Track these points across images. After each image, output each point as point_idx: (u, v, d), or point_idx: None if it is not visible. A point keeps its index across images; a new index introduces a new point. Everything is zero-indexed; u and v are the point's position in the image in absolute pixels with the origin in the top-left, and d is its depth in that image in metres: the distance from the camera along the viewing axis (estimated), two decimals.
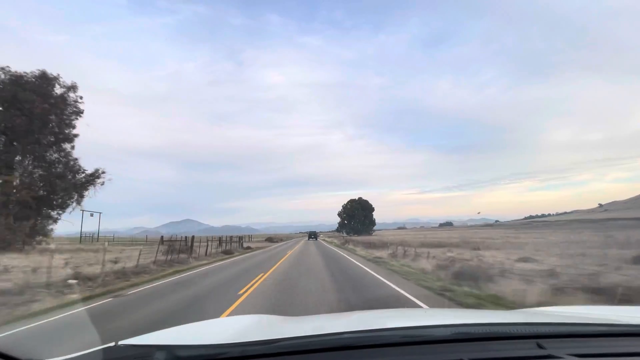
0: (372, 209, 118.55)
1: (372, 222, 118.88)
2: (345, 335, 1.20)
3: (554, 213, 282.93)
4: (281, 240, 72.84)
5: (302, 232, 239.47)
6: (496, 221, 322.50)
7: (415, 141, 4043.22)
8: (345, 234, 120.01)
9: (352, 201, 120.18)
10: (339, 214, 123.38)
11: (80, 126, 23.52)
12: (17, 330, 5.28)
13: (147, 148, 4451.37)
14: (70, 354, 1.18)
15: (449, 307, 5.90)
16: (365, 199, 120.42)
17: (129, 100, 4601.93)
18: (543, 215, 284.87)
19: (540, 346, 1.15)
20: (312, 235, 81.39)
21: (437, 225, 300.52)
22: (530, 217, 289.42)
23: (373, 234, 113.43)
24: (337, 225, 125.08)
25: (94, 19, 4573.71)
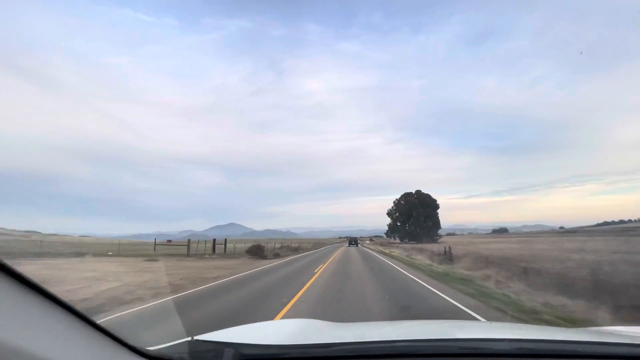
0: (437, 206, 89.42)
1: (437, 224, 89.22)
2: (403, 344, 1.19)
3: (635, 219, 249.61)
4: (301, 249, 46.61)
5: (340, 237, 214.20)
6: (561, 227, 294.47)
7: (459, 143, 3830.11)
8: (398, 239, 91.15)
9: (407, 195, 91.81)
10: (389, 213, 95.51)
11: None
12: None
13: (196, 156, 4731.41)
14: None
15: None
16: (425, 192, 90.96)
17: (181, 113, 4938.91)
18: (621, 222, 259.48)
19: None
20: (353, 241, 70.48)
21: (489, 232, 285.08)
22: (606, 223, 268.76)
23: (439, 240, 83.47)
24: (387, 228, 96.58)
25: (150, 41, 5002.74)
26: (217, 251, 26.73)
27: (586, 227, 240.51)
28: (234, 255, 25.79)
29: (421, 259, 21.25)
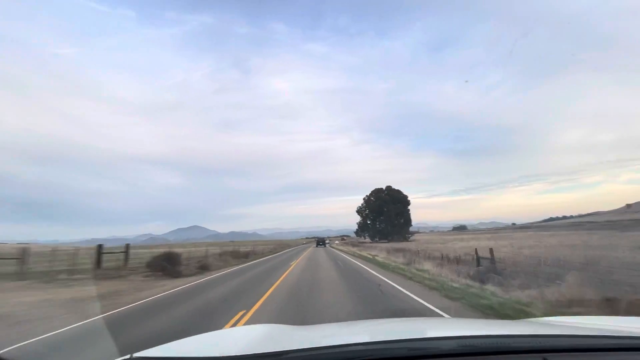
0: (408, 202, 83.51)
1: (408, 221, 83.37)
2: (352, 348, 1.19)
3: (576, 215, 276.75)
4: (253, 255, 36.28)
5: (307, 238, 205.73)
6: (513, 224, 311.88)
7: (422, 145, 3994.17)
8: (368, 238, 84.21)
9: (377, 192, 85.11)
10: (359, 211, 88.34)
11: None
12: None
13: (156, 156, 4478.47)
14: None
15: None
16: (396, 188, 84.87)
17: (139, 110, 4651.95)
18: (564, 217, 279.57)
19: None
20: (321, 242, 69.50)
21: (450, 229, 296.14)
22: (551, 218, 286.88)
23: (410, 238, 77.61)
24: (356, 227, 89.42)
25: (104, 32, 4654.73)
26: (110, 263, 16.85)
27: (535, 223, 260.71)
28: (134, 271, 16.04)
29: (435, 270, 13.12)
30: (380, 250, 31.07)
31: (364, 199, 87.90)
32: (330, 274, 13.82)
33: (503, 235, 75.38)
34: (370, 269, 15.64)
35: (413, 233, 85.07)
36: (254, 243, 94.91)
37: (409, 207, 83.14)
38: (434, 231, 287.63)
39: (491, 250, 11.62)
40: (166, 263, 15.83)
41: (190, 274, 15.81)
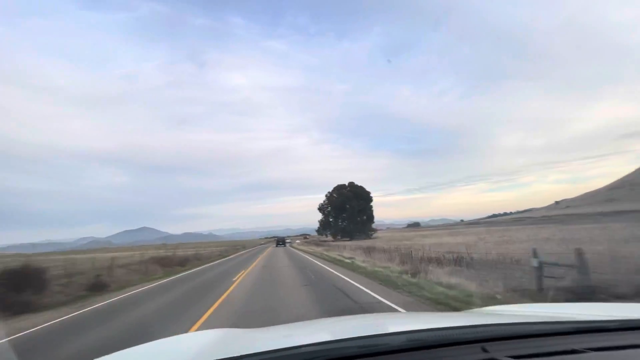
0: (370, 199, 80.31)
1: (370, 218, 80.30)
2: (303, 350, 1.20)
3: (515, 211, 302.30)
4: (191, 263, 27.22)
5: (267, 238, 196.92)
6: (461, 220, 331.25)
7: (378, 146, 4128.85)
8: (330, 237, 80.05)
9: (340, 188, 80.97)
10: (321, 208, 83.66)
11: None
12: None
13: (99, 151, 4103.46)
14: None
15: None
16: (359, 184, 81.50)
17: (82, 101, 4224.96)
18: (505, 214, 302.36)
19: (484, 350, 1.17)
20: (281, 242, 67.64)
21: (405, 226, 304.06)
22: (494, 215, 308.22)
23: (373, 235, 74.73)
24: (318, 225, 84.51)
25: (36, 12, 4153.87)
26: None
27: (482, 219, 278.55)
28: None
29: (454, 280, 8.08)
30: (351, 251, 26.01)
31: (326, 195, 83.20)
32: (300, 298, 7.98)
33: (461, 230, 76.08)
34: (372, 288, 8.80)
35: (375, 230, 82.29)
36: (205, 245, 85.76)
37: (372, 204, 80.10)
38: (390, 228, 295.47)
39: (578, 251, 6.70)
40: (17, 285, 9.01)
41: (58, 303, 9.19)
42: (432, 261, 14.33)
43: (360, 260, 17.66)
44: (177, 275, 16.67)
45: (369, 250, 22.11)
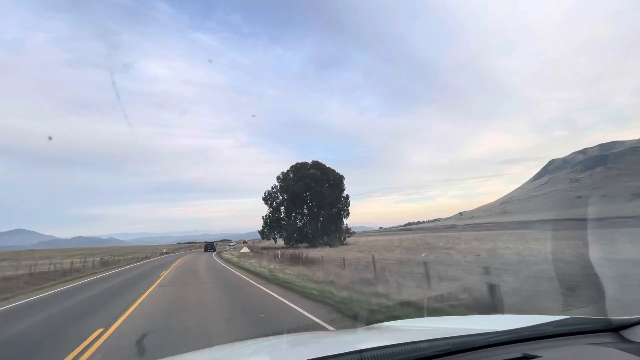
0: (343, 187, 55.71)
1: (342, 214, 55.49)
2: None
3: (426, 220, 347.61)
4: None
5: (179, 243, 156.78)
6: (380, 228, 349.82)
7: (305, 153, 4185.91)
8: (281, 241, 53.32)
9: (301, 167, 54.87)
10: (268, 198, 56.30)
11: None
12: None
13: None
14: None
15: None
16: (325, 164, 56.27)
17: None
18: (419, 222, 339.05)
19: None
20: (210, 247, 54.68)
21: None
22: (410, 223, 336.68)
23: (346, 240, 50.09)
24: (262, 224, 56.04)
25: None
26: None
27: (398, 227, 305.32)
28: None
29: None
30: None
31: (278, 178, 56.10)
32: None
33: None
34: None
35: (351, 233, 57.57)
36: (96, 251, 61.94)
37: (346, 194, 55.69)
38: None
39: None
40: None
41: None
42: None
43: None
44: None
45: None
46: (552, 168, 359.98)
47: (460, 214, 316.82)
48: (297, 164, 55.51)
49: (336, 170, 55.52)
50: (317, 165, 55.21)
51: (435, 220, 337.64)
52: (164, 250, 57.67)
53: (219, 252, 44.17)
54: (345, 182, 55.96)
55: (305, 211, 54.18)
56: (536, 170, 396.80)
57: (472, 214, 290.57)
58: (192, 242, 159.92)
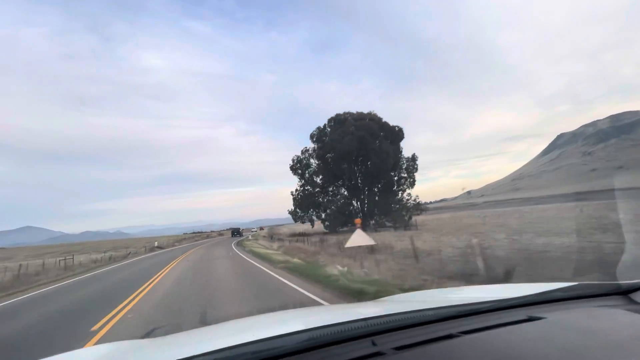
0: (400, 136, 38.66)
1: (407, 178, 38.66)
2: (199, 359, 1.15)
3: (433, 201, 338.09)
4: None
5: (186, 233, 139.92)
6: None
7: (305, 139, 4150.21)
8: (320, 223, 35.92)
9: (345, 119, 37.55)
10: (296, 166, 38.81)
11: None
12: None
13: None
14: None
15: None
16: (377, 114, 39.14)
17: None
18: (427, 203, 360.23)
19: (374, 343, 1.16)
20: (236, 232, 63.48)
21: None
22: (418, 204, 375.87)
23: (412, 220, 31.98)
24: (293, 204, 38.82)
25: None
26: None
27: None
28: None
29: None
30: None
31: (311, 136, 39.97)
32: None
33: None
34: None
35: (423, 209, 41.35)
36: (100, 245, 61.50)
37: (412, 155, 39.56)
38: None
39: None
40: None
41: None
42: None
43: None
44: None
45: None
46: (561, 142, 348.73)
47: (468, 192, 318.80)
48: (337, 114, 39.25)
49: (387, 122, 39.32)
50: (370, 116, 39.03)
51: (442, 200, 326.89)
52: (156, 244, 41.88)
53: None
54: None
55: (360, 179, 38.17)
56: (541, 146, 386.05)
57: (481, 192, 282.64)
58: (198, 232, 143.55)
